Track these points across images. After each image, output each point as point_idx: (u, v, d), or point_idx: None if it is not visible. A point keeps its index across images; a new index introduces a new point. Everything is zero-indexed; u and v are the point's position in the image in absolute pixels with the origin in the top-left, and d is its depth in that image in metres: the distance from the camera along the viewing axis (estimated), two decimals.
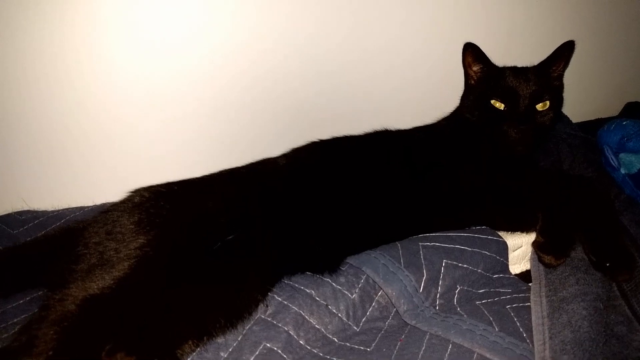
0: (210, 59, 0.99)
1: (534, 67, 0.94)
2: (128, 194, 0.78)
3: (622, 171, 0.84)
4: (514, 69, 0.94)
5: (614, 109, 1.36)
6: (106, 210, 0.76)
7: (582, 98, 1.30)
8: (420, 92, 1.17)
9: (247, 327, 0.66)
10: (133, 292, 0.62)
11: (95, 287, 0.62)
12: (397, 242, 0.78)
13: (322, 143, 0.90)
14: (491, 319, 0.68)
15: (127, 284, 0.63)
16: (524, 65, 0.97)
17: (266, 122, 1.08)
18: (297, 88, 1.07)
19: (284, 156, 0.87)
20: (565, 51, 0.93)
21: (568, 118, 1.14)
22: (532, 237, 0.82)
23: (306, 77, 1.07)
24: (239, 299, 0.66)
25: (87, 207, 0.95)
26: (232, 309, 0.65)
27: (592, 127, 1.21)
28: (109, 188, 0.85)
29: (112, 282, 0.62)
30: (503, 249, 0.80)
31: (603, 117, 1.29)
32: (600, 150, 0.89)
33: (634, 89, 1.39)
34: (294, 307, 0.68)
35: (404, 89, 1.15)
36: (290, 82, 1.06)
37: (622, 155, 0.87)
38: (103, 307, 0.60)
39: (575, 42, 0.95)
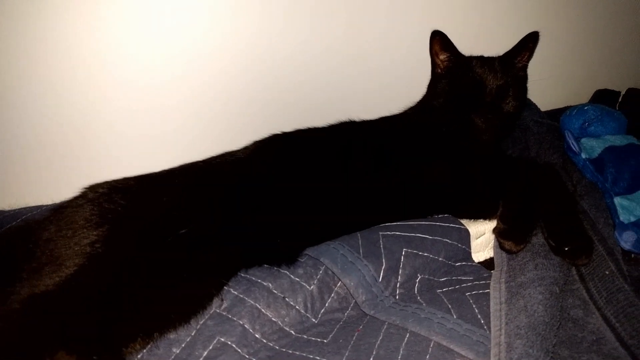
0: (203, 56, 0.97)
1: (500, 57, 0.95)
2: (82, 190, 0.76)
3: (583, 156, 0.84)
4: (480, 59, 0.94)
5: (584, 97, 1.37)
6: (58, 207, 0.74)
7: (552, 86, 1.30)
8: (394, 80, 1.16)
9: (201, 322, 0.65)
10: (80, 289, 0.61)
11: (42, 285, 0.60)
12: (357, 232, 0.77)
13: (283, 135, 0.88)
14: (450, 306, 0.68)
15: (75, 281, 0.61)
16: (490, 56, 0.97)
17: (257, 115, 1.06)
18: (289, 80, 1.05)
19: (245, 149, 0.86)
20: (529, 42, 0.94)
21: (536, 105, 1.14)
22: (494, 223, 0.83)
23: (299, 71, 1.05)
24: (192, 294, 0.65)
25: (46, 205, 0.92)
26: (185, 304, 0.64)
27: (561, 114, 1.22)
28: (70, 185, 0.83)
29: (59, 279, 0.61)
30: (465, 236, 0.79)
31: (573, 104, 1.29)
32: (562, 135, 0.89)
33: (603, 77, 1.40)
34: (249, 301, 0.67)
35: (375, 78, 1.14)
36: (282, 74, 1.04)
37: (583, 140, 0.87)
38: (48, 305, 0.59)
39: (540, 33, 0.95)
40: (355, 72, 1.10)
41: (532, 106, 1.12)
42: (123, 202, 0.71)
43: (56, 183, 0.97)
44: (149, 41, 0.94)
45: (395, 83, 1.15)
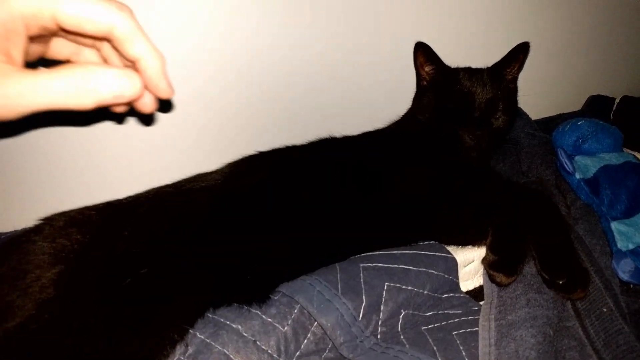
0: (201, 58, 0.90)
1: (488, 69, 0.90)
2: (38, 222, 0.71)
3: (577, 176, 0.79)
4: (468, 71, 0.89)
5: (576, 103, 1.32)
6: (14, 239, 0.68)
7: (542, 93, 1.25)
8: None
9: None
10: (26, 342, 0.55)
11: None
12: (336, 265, 0.71)
13: (258, 156, 0.83)
14: (435, 348, 0.62)
15: (21, 333, 0.55)
16: (478, 67, 0.92)
17: (256, 120, 0.99)
18: (290, 85, 0.98)
19: (218, 171, 0.80)
20: (519, 53, 0.89)
21: (527, 115, 1.09)
22: (484, 250, 0.77)
23: (299, 76, 0.98)
24: (152, 341, 0.59)
25: (4, 233, 0.86)
26: (143, 353, 0.58)
27: (554, 123, 1.16)
28: (34, 210, 0.77)
29: (2, 333, 0.55)
30: (452, 266, 0.74)
31: (565, 112, 1.25)
32: (556, 153, 0.84)
33: (596, 82, 1.35)
34: (217, 346, 0.61)
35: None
36: (284, 81, 0.97)
37: (577, 158, 0.81)
38: None
39: (530, 41, 0.90)
40: (348, 81, 1.04)
41: (523, 116, 1.07)
42: (79, 238, 0.65)
43: (17, 207, 0.91)
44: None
45: (388, 88, 1.09)
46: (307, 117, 1.01)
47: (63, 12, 0.37)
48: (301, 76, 0.97)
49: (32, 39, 0.39)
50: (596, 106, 1.22)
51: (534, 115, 1.13)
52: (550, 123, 1.17)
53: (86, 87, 0.38)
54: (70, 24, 0.38)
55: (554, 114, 1.26)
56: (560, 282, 0.63)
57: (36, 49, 0.42)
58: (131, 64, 0.44)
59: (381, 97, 1.04)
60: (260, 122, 0.98)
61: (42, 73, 0.37)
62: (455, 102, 0.85)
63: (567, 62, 1.29)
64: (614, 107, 1.13)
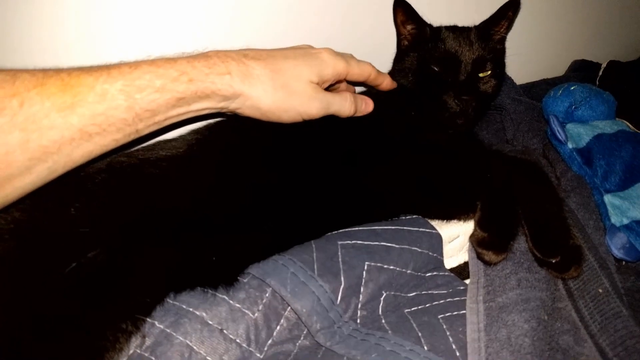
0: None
1: (475, 27, 0.82)
2: None
3: (570, 145, 0.74)
4: (453, 30, 0.81)
5: (559, 68, 1.27)
6: None
7: (525, 57, 1.19)
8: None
9: None
10: None
11: None
12: (312, 243, 0.64)
13: (224, 122, 0.74)
14: (420, 334, 0.57)
15: None
16: (464, 26, 0.85)
17: None
18: None
19: (179, 139, 0.71)
20: (509, 10, 0.82)
21: (512, 80, 1.03)
22: (469, 225, 0.72)
23: None
24: (100, 334, 0.51)
25: None
26: (88, 350, 0.50)
27: (537, 89, 1.11)
28: None
29: None
30: (437, 242, 0.68)
31: (548, 77, 1.19)
32: (547, 120, 0.78)
33: (580, 46, 1.29)
34: (178, 337, 0.54)
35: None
36: None
37: (569, 126, 0.76)
38: None
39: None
40: None
41: (507, 81, 1.00)
42: (17, 216, 0.56)
43: None
44: (142, 41, 0.77)
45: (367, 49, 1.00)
46: None
47: (352, 72, 0.72)
48: None
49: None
50: (581, 71, 1.17)
51: (516, 81, 1.07)
52: (532, 88, 1.12)
53: (353, 104, 0.73)
54: (352, 78, 0.74)
55: (536, 79, 1.20)
56: (554, 261, 0.59)
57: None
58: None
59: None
60: None
61: (335, 94, 0.72)
62: (439, 64, 0.78)
63: (550, 23, 1.23)
64: (600, 73, 1.08)
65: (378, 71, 0.77)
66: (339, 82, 0.75)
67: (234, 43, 0.67)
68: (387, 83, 0.80)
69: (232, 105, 0.63)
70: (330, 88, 0.75)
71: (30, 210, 0.57)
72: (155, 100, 0.55)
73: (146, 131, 0.59)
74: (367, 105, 0.75)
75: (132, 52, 0.65)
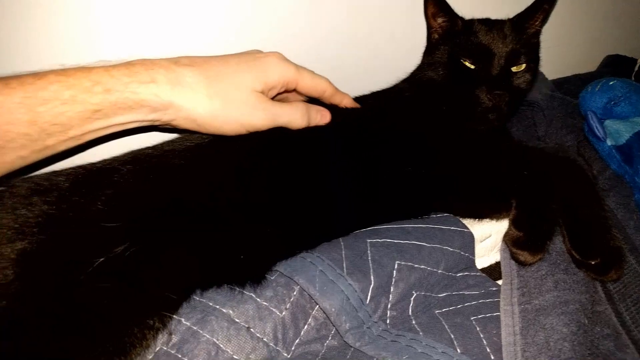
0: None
1: (510, 20, 0.80)
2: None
3: (609, 142, 0.71)
4: (486, 22, 0.79)
5: (591, 63, 1.23)
6: None
7: (556, 51, 1.15)
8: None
9: None
10: None
11: None
12: (340, 240, 0.63)
13: None
14: (452, 336, 0.55)
15: None
16: (497, 18, 0.82)
17: None
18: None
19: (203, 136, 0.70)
20: (545, 3, 0.79)
21: (544, 75, 1.00)
22: (502, 224, 0.70)
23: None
24: (126, 330, 0.51)
25: None
26: (115, 345, 0.50)
27: (569, 85, 1.08)
28: None
29: None
30: (469, 241, 0.66)
31: (580, 72, 1.15)
32: (584, 116, 0.75)
33: (614, 40, 1.25)
34: (205, 334, 0.53)
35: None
36: None
37: (607, 122, 0.73)
38: None
39: None
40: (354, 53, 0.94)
41: (539, 76, 0.97)
42: (45, 209, 0.56)
43: None
44: (146, 38, 0.76)
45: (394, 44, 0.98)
46: None
47: (302, 83, 0.66)
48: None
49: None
50: (614, 67, 1.13)
51: (547, 76, 1.03)
52: (564, 84, 1.08)
53: (305, 115, 0.66)
54: (302, 90, 0.68)
55: (567, 74, 1.16)
56: (593, 263, 0.56)
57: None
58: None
59: (388, 53, 0.95)
60: None
61: (285, 104, 0.65)
62: (472, 57, 0.76)
63: (583, 17, 1.19)
64: (637, 68, 1.04)
65: (336, 89, 0.71)
66: (288, 91, 0.68)
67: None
68: (346, 104, 0.73)
69: (165, 117, 0.58)
70: (277, 97, 0.68)
71: (58, 203, 0.57)
72: (64, 113, 0.51)
73: (62, 147, 0.54)
74: (322, 117, 0.68)
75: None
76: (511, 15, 0.82)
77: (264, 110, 0.61)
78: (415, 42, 0.90)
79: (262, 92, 0.62)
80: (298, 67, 0.65)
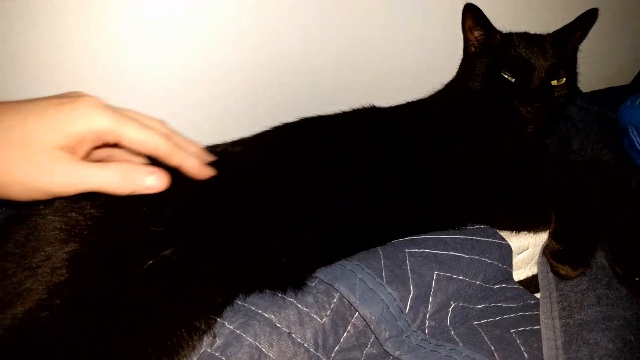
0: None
1: (549, 35, 0.80)
2: None
3: None
4: (525, 36, 0.79)
5: (626, 76, 1.21)
6: (19, 213, 0.61)
7: (590, 64, 1.15)
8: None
9: None
10: (37, 333, 0.48)
11: None
12: (378, 249, 0.64)
13: (287, 126, 0.74)
14: (493, 348, 0.55)
15: (31, 322, 0.49)
16: (536, 33, 0.83)
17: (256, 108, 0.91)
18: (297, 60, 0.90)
19: (242, 142, 0.72)
20: (586, 21, 0.79)
21: (578, 88, 0.99)
22: (539, 237, 0.70)
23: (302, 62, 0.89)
24: (176, 331, 0.52)
25: None
26: (164, 345, 0.51)
27: (604, 98, 1.07)
28: None
29: (12, 321, 0.48)
30: (506, 253, 0.66)
31: (615, 85, 1.14)
32: (624, 130, 0.74)
33: None
34: (248, 338, 0.54)
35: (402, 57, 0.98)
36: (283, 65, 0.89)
37: None
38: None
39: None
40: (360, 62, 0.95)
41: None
42: (93, 212, 0.57)
43: None
44: (145, 35, 0.79)
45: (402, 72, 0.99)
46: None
47: (126, 137, 0.51)
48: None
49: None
50: None
51: (580, 88, 1.03)
52: (598, 97, 1.08)
53: (126, 179, 0.52)
54: (128, 145, 0.53)
55: (601, 87, 1.16)
56: (637, 279, 0.56)
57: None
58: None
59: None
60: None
61: (96, 165, 0.51)
62: (512, 70, 0.76)
63: (617, 30, 1.18)
64: None
65: (174, 147, 0.55)
66: (107, 145, 0.54)
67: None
68: (190, 169, 0.58)
69: None
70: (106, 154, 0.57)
71: (105, 207, 0.59)
72: None
73: None
74: (158, 180, 0.54)
75: None
76: (543, 30, 0.83)
77: (65, 173, 0.49)
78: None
79: (68, 148, 0.49)
80: (121, 117, 0.51)
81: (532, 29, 0.84)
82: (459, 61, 0.88)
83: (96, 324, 0.50)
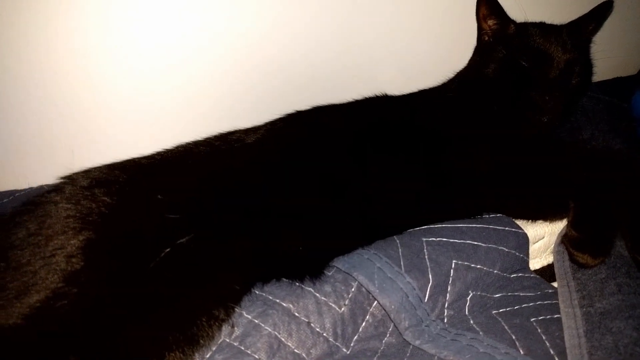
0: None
1: (565, 26, 0.79)
2: (59, 181, 0.62)
3: None
4: (541, 27, 0.78)
5: (633, 66, 1.21)
6: (31, 201, 0.60)
7: (597, 53, 1.14)
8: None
9: (208, 356, 0.52)
10: (53, 321, 0.47)
11: (6, 316, 0.47)
12: (395, 238, 0.63)
13: (300, 114, 0.73)
14: (514, 337, 0.55)
15: (47, 311, 0.48)
16: (552, 23, 0.82)
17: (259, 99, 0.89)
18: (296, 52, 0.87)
19: (254, 130, 0.71)
20: (601, 12, 0.78)
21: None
22: (555, 226, 0.69)
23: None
24: (193, 320, 0.51)
25: (20, 190, 0.78)
26: (184, 334, 0.50)
27: (611, 87, 1.06)
28: (49, 166, 0.68)
29: (27, 310, 0.47)
30: (523, 242, 0.66)
31: (622, 75, 1.14)
32: (638, 119, 0.74)
33: None
34: (267, 328, 0.54)
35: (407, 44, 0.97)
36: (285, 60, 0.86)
37: None
38: (15, 347, 0.46)
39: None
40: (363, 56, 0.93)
41: None
42: (107, 200, 0.56)
43: (32, 164, 0.82)
44: (145, 30, 0.77)
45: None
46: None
47: None
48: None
49: None
50: None
51: None
52: (605, 87, 1.07)
53: None
54: None
55: (608, 77, 1.15)
56: None
57: None
58: None
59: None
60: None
61: None
62: (529, 59, 0.74)
63: (624, 21, 1.18)
64: None
65: None
66: None
67: None
68: None
69: None
70: None
71: (119, 195, 0.58)
72: None
73: None
74: None
75: None
76: (555, 21, 0.82)
77: None
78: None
79: None
80: None
81: (544, 20, 0.83)
82: (466, 51, 0.87)
83: (114, 313, 0.49)
